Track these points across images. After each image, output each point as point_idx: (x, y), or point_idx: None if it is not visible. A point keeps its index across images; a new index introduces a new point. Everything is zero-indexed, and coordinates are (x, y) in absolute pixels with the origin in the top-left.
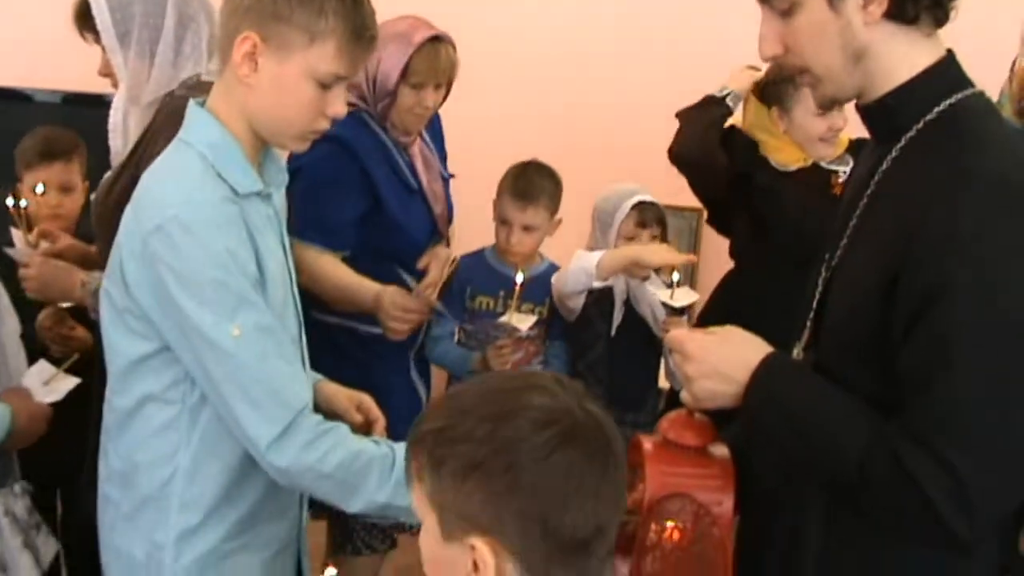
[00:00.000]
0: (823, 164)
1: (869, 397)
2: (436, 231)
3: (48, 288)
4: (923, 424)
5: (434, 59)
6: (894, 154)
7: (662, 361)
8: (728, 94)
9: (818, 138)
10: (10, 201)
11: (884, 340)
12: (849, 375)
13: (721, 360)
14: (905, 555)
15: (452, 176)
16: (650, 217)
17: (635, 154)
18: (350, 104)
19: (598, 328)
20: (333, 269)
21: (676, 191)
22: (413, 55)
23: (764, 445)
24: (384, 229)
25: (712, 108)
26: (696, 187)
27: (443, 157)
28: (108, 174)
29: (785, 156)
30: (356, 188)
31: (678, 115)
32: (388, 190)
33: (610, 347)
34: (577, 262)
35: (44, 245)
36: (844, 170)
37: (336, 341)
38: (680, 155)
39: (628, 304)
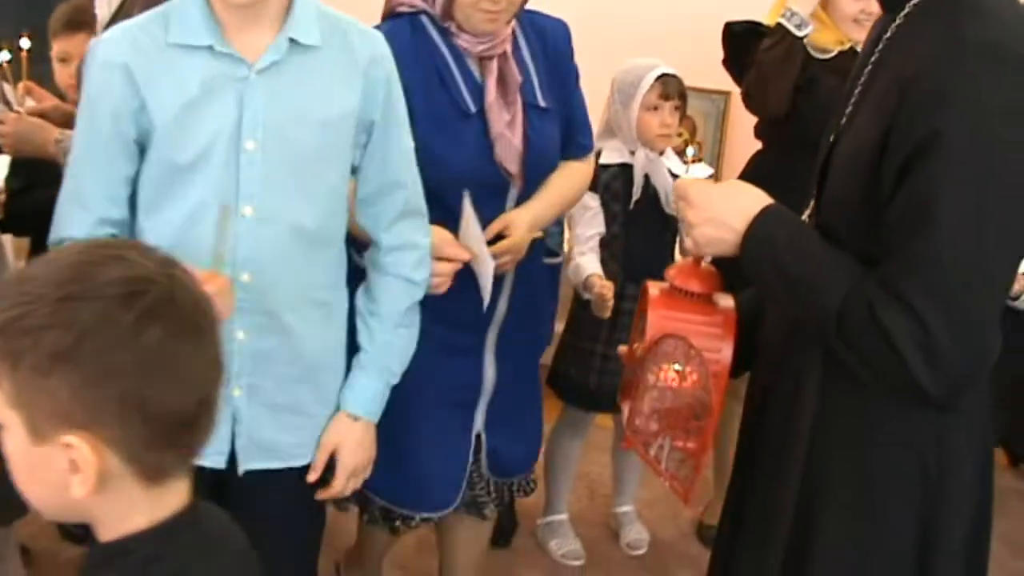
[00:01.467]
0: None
1: (860, 255)
2: (494, 167)
3: (22, 144)
4: (899, 276)
5: None
6: (898, 21)
7: (677, 238)
8: (799, 23)
9: (851, 19)
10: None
11: (875, 196)
12: (844, 234)
13: (722, 208)
14: (894, 423)
15: (545, 108)
16: (672, 89)
17: (661, 34)
18: (405, 5)
19: (613, 209)
20: None
21: (703, 73)
22: None
23: (761, 293)
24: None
25: (795, 57)
26: (752, 106)
27: (562, 77)
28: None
29: (824, 38)
30: None
31: (761, 63)
32: (424, 109)
33: (626, 224)
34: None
35: (29, 103)
36: None
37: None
38: (762, 109)
39: (647, 179)
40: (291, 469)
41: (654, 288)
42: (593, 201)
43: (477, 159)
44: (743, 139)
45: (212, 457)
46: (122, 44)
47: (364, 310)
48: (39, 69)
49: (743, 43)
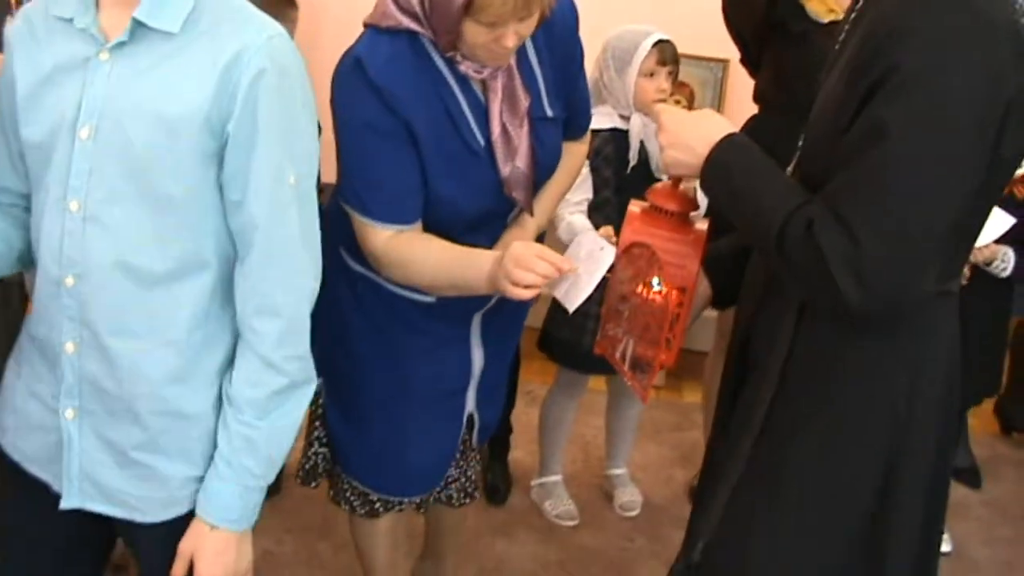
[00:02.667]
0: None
1: None
2: (503, 199)
3: None
4: (841, 193)
5: None
6: None
7: None
8: None
9: None
10: None
11: (840, 135)
12: (819, 179)
13: (689, 134)
14: (866, 364)
15: (552, 117)
16: (668, 55)
17: (662, 3)
18: (402, 25)
19: (604, 174)
20: (425, 248)
21: (701, 41)
22: None
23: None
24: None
25: None
26: (731, 20)
27: (567, 63)
28: None
29: (822, 5)
30: (405, 144)
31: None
32: (433, 148)
33: (619, 189)
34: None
35: None
36: None
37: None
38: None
39: (641, 144)
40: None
41: (635, 206)
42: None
43: (487, 196)
44: (741, 106)
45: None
46: (19, 17)
47: (224, 390)
48: None
49: None
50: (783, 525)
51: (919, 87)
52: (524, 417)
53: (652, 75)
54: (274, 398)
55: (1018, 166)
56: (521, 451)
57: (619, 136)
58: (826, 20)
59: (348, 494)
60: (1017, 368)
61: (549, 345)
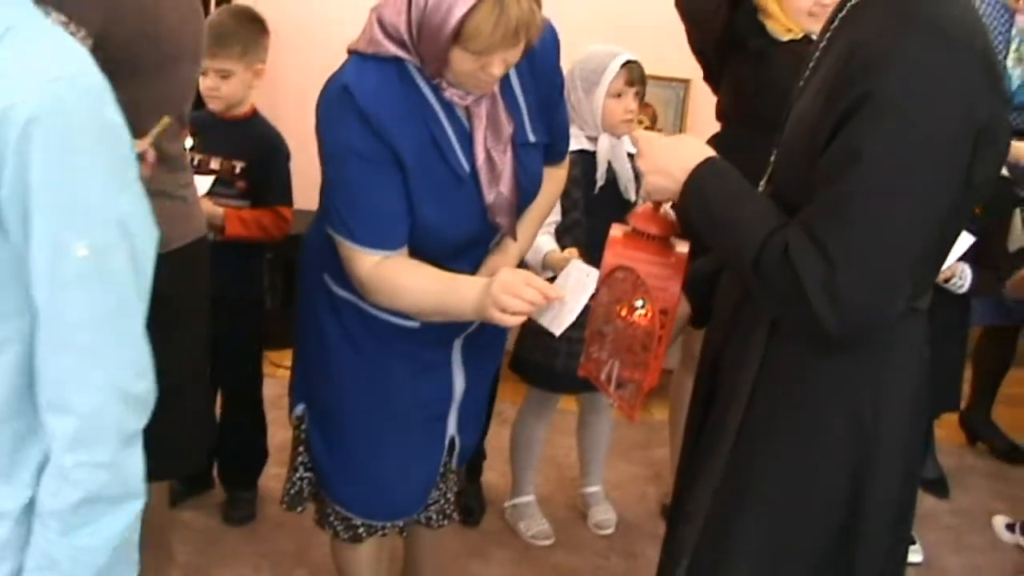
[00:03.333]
0: (815, 39)
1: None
2: (488, 225)
3: None
4: (816, 217)
5: (501, 18)
6: (853, 1)
7: None
8: None
9: (806, 12)
10: None
11: (815, 157)
12: (794, 199)
13: (667, 160)
14: (832, 377)
15: (535, 142)
16: (636, 76)
17: (620, 23)
18: (389, 52)
19: (573, 195)
20: (412, 274)
21: (662, 62)
22: (470, 13)
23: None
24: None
25: None
26: (692, 37)
27: (548, 90)
28: None
29: (780, 26)
30: (391, 170)
31: None
32: (419, 176)
33: (588, 210)
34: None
35: None
36: None
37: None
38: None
39: (608, 165)
40: None
41: (616, 229)
42: None
43: (472, 221)
44: (704, 126)
45: None
46: None
47: (36, 497)
48: None
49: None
50: (758, 540)
51: (893, 114)
52: (495, 439)
53: (620, 96)
54: (79, 512)
55: (988, 190)
56: (494, 472)
57: (586, 157)
58: (785, 39)
59: (332, 518)
60: (978, 379)
61: (521, 367)
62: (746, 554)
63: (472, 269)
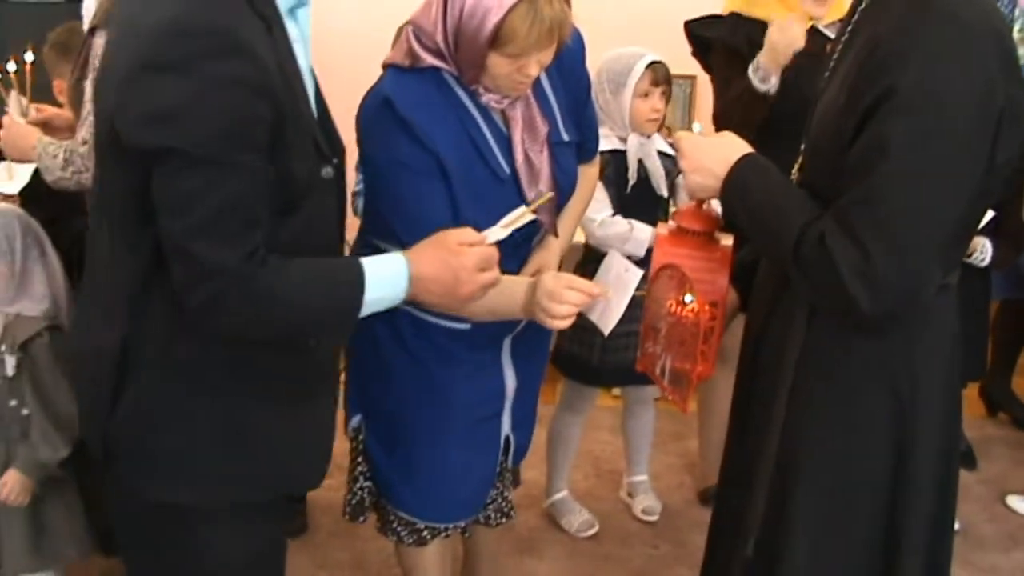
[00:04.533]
0: (821, 28)
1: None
2: (531, 223)
3: (10, 148)
4: (849, 208)
5: (536, 19)
6: None
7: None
8: (763, 78)
9: None
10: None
11: (843, 147)
12: (821, 186)
13: (708, 157)
14: (869, 354)
15: (568, 141)
16: (661, 75)
17: (627, 22)
18: (426, 63)
19: (609, 194)
20: None
21: (668, 59)
22: (506, 17)
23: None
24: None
25: (758, 107)
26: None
27: (576, 91)
28: None
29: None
30: (436, 177)
31: (724, 111)
32: (461, 178)
33: (622, 208)
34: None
35: (33, 112)
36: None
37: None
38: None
39: (639, 163)
40: None
41: (662, 228)
42: (600, 193)
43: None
44: (711, 122)
45: None
46: None
47: None
48: (42, 77)
49: (704, 39)
50: (815, 515)
51: (917, 105)
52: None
53: (646, 95)
54: None
55: (1010, 169)
56: (535, 471)
57: (618, 157)
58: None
59: (395, 525)
60: (997, 351)
61: (559, 360)
62: (805, 528)
63: (517, 267)
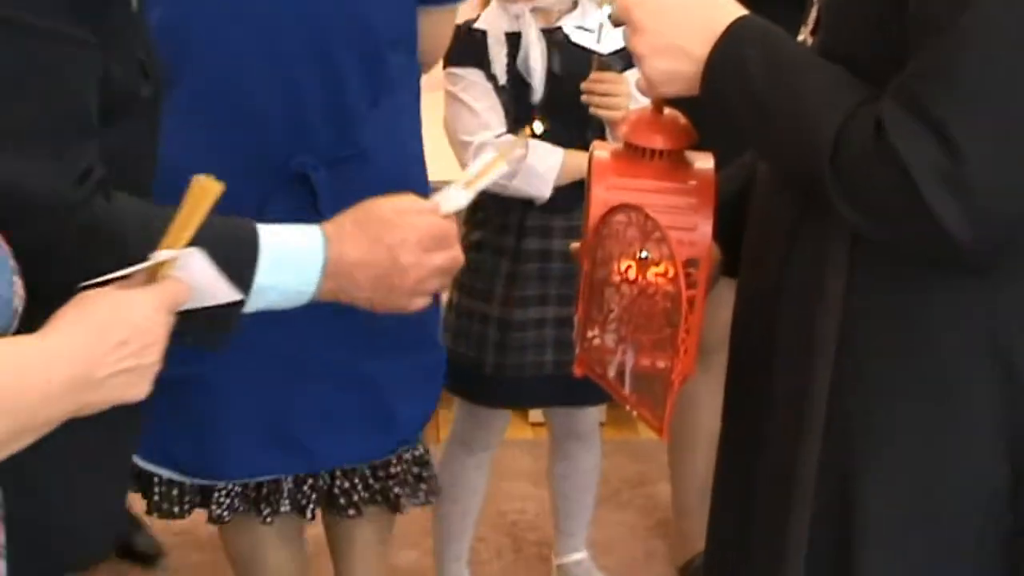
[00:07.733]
0: None
1: (877, 79)
2: None
3: None
4: (922, 83)
5: None
6: None
7: None
8: None
9: None
10: None
11: None
12: (858, 52)
13: (678, 30)
14: (951, 303)
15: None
16: None
17: None
18: None
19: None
20: None
21: None
22: None
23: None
24: None
25: None
26: None
27: None
28: None
29: None
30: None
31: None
32: None
33: (523, 119)
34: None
35: None
36: None
37: None
38: None
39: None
40: None
41: (601, 150)
42: (485, 98)
43: None
44: None
45: None
46: None
47: None
48: None
49: None
50: (890, 526)
51: None
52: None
53: None
54: None
55: None
56: (415, 550)
57: (512, 41)
58: None
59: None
60: None
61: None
62: (878, 540)
63: None
